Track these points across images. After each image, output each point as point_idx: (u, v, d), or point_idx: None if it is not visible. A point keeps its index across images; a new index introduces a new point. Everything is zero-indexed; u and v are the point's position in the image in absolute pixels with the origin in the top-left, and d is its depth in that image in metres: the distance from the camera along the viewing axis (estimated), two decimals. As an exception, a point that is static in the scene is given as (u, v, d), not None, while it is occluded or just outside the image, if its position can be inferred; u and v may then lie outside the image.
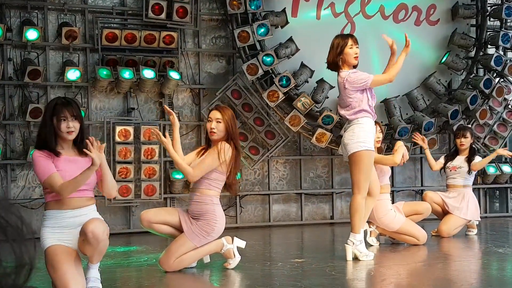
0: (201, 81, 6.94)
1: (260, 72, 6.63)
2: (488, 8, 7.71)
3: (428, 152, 6.23)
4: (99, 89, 6.49)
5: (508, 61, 7.52)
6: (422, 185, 7.62)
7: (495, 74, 7.50)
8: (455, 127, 6.91)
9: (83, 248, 3.38)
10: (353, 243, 4.44)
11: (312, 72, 6.99)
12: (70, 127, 3.41)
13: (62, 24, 6.43)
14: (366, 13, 7.45)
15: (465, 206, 5.87)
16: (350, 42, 4.47)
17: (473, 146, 6.17)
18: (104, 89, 6.55)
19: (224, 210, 6.84)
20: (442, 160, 6.20)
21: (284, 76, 6.69)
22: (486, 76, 7.37)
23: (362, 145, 4.34)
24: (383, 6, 7.49)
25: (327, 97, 7.01)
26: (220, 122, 4.16)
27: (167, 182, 6.63)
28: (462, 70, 7.62)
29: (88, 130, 6.54)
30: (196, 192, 4.20)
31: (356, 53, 4.46)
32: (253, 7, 6.66)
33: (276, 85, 6.68)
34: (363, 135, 4.35)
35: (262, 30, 6.63)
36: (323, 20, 7.30)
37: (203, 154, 4.28)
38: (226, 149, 4.12)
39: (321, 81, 7.00)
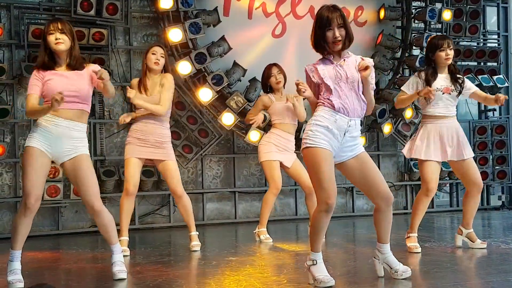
0: (132, 79, 6.81)
1: (193, 70, 6.61)
2: (413, 11, 8.00)
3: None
4: (25, 86, 6.25)
5: (432, 62, 7.82)
6: (352, 182, 7.81)
7: (420, 75, 7.79)
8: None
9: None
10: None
11: (245, 71, 7.03)
12: (58, 38, 3.76)
13: (-15, 19, 6.18)
14: (296, 14, 7.56)
15: (465, 143, 4.79)
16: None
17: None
18: (31, 87, 6.32)
19: (156, 210, 6.93)
20: (405, 87, 5.01)
21: (216, 74, 6.70)
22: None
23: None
24: (313, 7, 7.61)
25: (260, 96, 7.06)
26: (163, 57, 5.02)
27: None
28: (389, 71, 7.88)
29: (14, 128, 6.32)
30: (156, 122, 5.00)
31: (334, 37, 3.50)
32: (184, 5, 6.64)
33: (209, 83, 6.68)
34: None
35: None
36: (254, 19, 7.35)
37: (141, 89, 5.02)
38: (171, 79, 5.04)
39: (253, 80, 7.05)
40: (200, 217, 7.03)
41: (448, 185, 8.31)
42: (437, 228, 6.61)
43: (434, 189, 4.79)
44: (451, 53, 4.80)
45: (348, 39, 3.52)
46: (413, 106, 7.74)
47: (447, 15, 7.88)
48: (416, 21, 8.04)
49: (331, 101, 3.48)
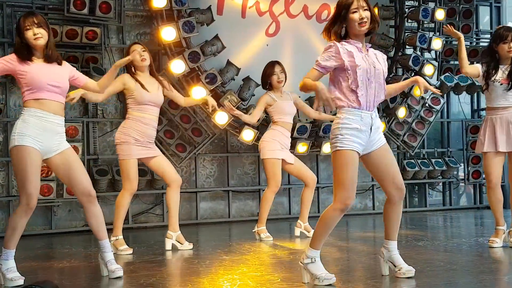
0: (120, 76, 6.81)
1: (186, 69, 6.61)
2: (406, 10, 8.03)
3: (462, 43, 4.95)
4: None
5: (425, 61, 7.86)
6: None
7: (413, 74, 7.81)
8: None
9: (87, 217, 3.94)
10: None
11: (238, 70, 7.03)
12: (36, 33, 3.74)
13: (-23, 17, 6.16)
14: (290, 13, 7.57)
15: None
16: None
17: None
18: (23, 86, 6.30)
19: (150, 209, 6.93)
20: (479, 66, 4.96)
21: (210, 73, 6.70)
22: (405, 76, 7.67)
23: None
24: (307, 6, 7.64)
25: (253, 95, 7.07)
26: (145, 51, 5.00)
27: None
28: (382, 70, 7.89)
29: (7, 127, 6.30)
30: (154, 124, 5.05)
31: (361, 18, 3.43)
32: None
33: (202, 82, 6.68)
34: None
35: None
36: (248, 18, 7.35)
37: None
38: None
39: (247, 79, 7.06)
40: (194, 216, 7.03)
41: (440, 184, 8.35)
42: (430, 227, 6.63)
43: (495, 182, 4.80)
44: None
45: (373, 21, 3.46)
46: (406, 105, 7.77)
47: (440, 14, 7.90)
48: (409, 20, 8.07)
49: (357, 96, 3.43)
